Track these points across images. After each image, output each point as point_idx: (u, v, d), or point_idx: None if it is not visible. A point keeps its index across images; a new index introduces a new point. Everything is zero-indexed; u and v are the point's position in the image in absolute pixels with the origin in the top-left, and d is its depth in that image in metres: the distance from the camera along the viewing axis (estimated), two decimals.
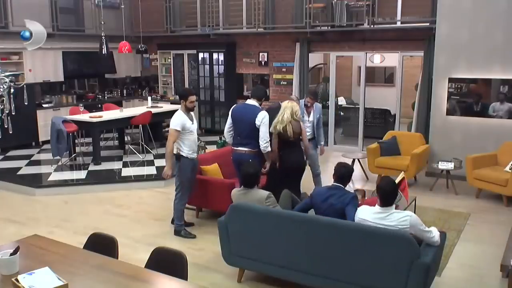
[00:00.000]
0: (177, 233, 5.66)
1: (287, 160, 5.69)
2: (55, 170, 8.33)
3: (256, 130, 5.49)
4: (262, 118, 5.46)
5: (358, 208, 4.04)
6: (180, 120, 5.36)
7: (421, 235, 3.78)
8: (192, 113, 5.55)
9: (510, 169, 6.72)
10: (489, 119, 7.58)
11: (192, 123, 5.48)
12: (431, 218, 6.05)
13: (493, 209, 6.60)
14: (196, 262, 4.85)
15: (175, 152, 5.50)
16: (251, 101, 5.68)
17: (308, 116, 6.71)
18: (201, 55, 11.77)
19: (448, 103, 7.85)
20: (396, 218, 3.72)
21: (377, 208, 3.85)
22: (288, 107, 5.66)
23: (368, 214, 3.88)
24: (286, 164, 5.68)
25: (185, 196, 5.65)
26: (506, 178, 6.58)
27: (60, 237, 4.88)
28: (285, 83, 10.80)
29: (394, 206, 3.87)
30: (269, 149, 5.53)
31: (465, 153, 7.29)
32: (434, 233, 3.81)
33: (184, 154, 5.47)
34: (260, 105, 5.69)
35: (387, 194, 3.78)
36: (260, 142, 5.49)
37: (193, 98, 5.42)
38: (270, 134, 5.55)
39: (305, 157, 6.12)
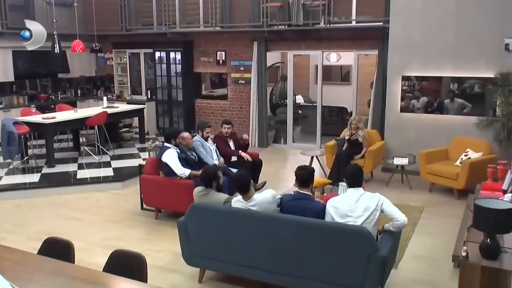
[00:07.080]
0: None
1: None
2: (6, 174, 8.04)
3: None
4: (164, 156, 5.95)
5: (328, 202, 4.06)
6: None
7: (392, 213, 3.96)
8: None
9: (460, 163, 6.99)
10: (440, 115, 7.85)
11: None
12: None
13: (445, 202, 6.85)
14: (155, 263, 4.79)
15: None
16: (166, 144, 6.14)
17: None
18: (157, 54, 11.62)
19: (402, 100, 8.08)
20: (373, 202, 3.94)
21: (347, 194, 4.04)
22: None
23: (339, 204, 4.00)
24: None
25: None
26: (456, 172, 6.84)
27: (13, 243, 4.70)
28: (244, 82, 10.82)
29: (362, 188, 4.08)
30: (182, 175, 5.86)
31: (419, 149, 7.52)
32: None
33: None
34: (176, 144, 6.13)
35: (355, 176, 4.10)
36: None
37: None
38: None
39: None
